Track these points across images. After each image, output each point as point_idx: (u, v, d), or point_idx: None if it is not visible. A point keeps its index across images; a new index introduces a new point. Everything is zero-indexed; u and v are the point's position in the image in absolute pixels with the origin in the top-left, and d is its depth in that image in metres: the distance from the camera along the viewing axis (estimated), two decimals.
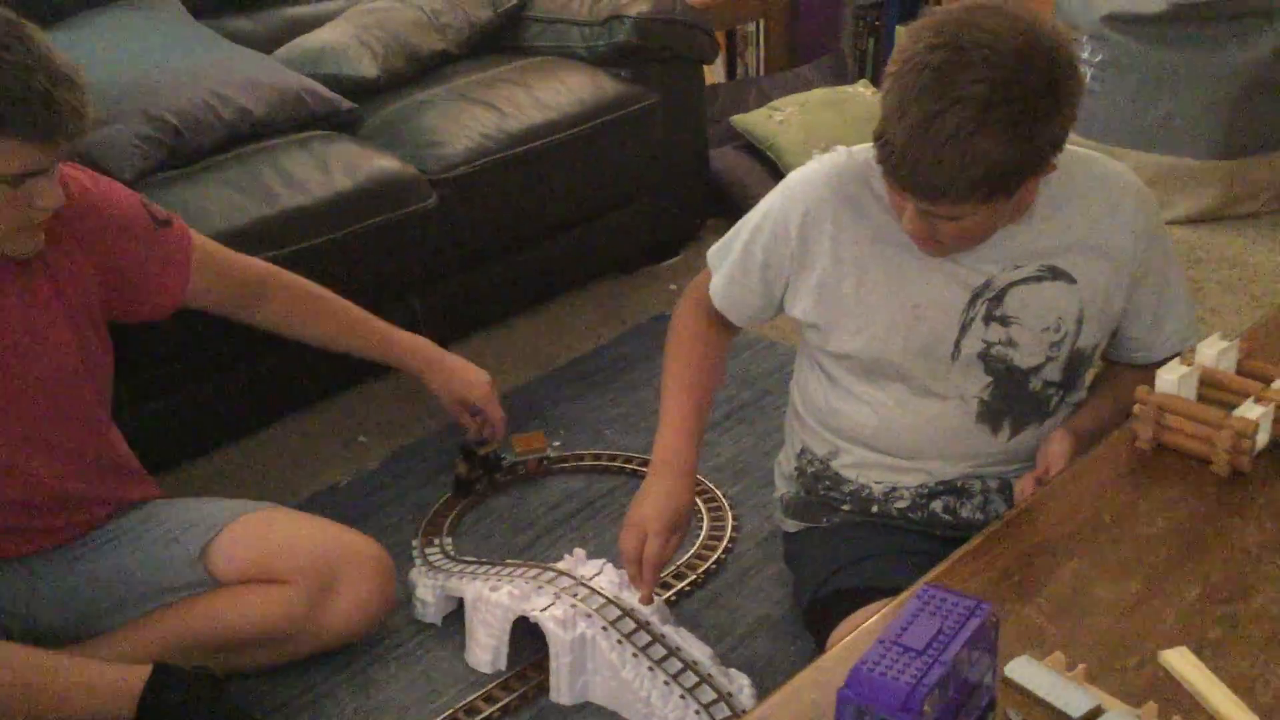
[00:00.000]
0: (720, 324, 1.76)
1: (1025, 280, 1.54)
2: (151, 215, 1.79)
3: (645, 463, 2.32)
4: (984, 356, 1.57)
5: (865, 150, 1.58)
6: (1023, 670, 1.08)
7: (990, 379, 1.58)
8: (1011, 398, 1.59)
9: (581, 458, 2.37)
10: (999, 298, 1.55)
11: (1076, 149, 1.57)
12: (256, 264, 1.99)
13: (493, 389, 2.19)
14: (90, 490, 1.79)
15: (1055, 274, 1.55)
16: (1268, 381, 1.45)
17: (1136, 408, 1.45)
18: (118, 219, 1.74)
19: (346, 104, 2.68)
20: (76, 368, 1.72)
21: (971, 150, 1.31)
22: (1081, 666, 1.10)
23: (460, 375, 2.16)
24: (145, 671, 1.67)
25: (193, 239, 1.85)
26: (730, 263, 1.68)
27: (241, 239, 2.23)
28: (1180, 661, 1.13)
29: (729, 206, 3.28)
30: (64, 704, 1.64)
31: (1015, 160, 1.34)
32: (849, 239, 1.57)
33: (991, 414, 1.60)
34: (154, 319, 1.84)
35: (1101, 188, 1.56)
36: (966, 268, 1.54)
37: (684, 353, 1.74)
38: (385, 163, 2.53)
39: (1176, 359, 1.47)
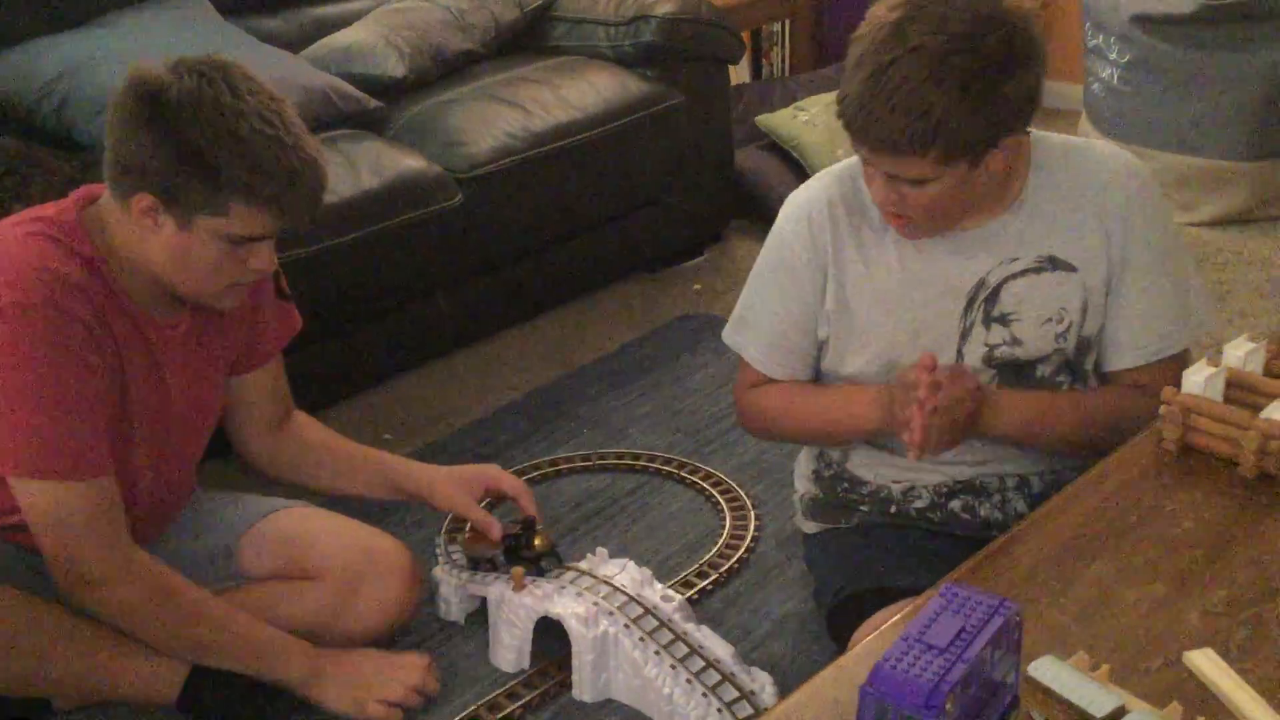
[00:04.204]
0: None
1: (1023, 273, 1.54)
2: (279, 286, 1.83)
3: (668, 462, 2.33)
4: (988, 360, 1.57)
5: (849, 168, 1.60)
6: (1046, 670, 1.08)
7: (994, 372, 1.58)
8: (1017, 388, 1.58)
9: (605, 456, 2.37)
10: (994, 295, 1.54)
11: (1071, 137, 1.60)
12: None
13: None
14: (175, 506, 1.85)
15: (1055, 264, 1.54)
16: None
17: (1162, 408, 1.44)
18: (268, 280, 1.79)
19: (373, 103, 2.69)
20: (215, 411, 1.80)
21: (923, 99, 1.35)
22: (1105, 667, 1.10)
23: (460, 467, 1.98)
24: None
25: (299, 325, 1.88)
26: (761, 325, 1.66)
27: None
28: (1205, 663, 1.12)
29: (754, 206, 3.28)
30: (117, 682, 1.70)
31: (968, 118, 1.36)
32: (846, 259, 1.59)
33: None
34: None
35: (1094, 172, 1.55)
36: (959, 266, 1.54)
37: (784, 402, 1.68)
38: (411, 162, 2.54)
39: (1204, 360, 1.46)
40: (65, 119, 2.44)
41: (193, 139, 1.46)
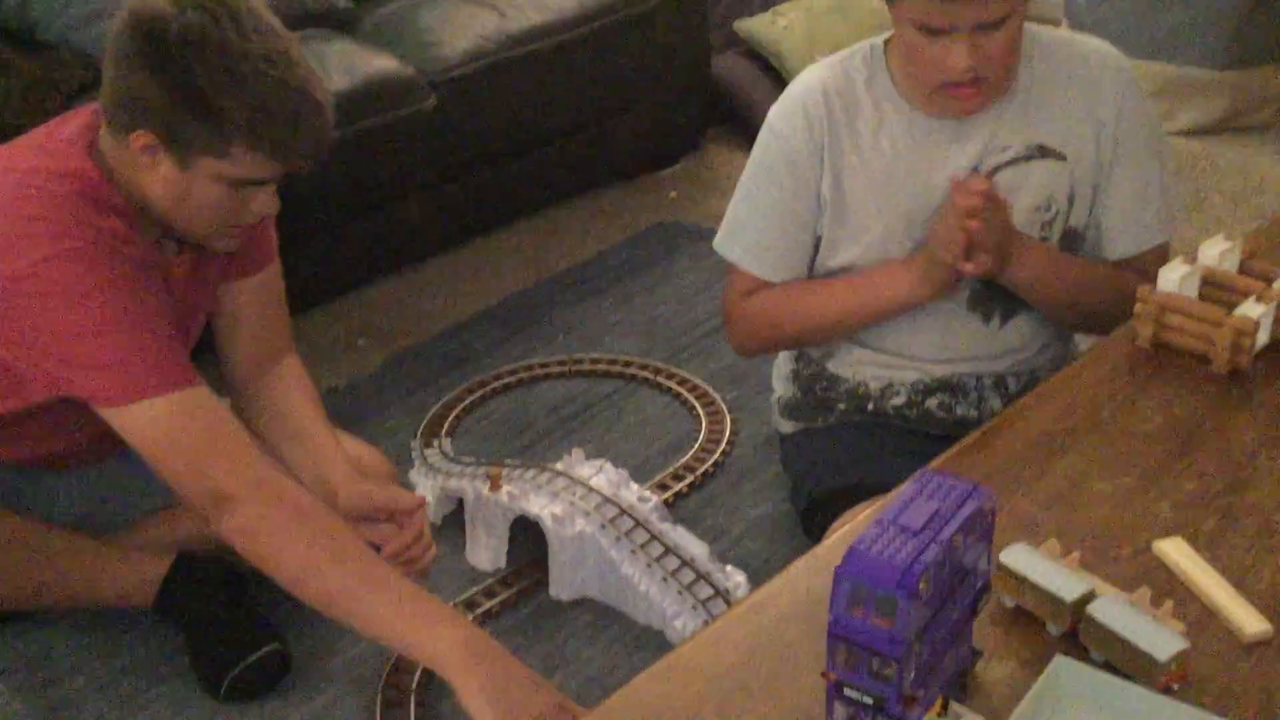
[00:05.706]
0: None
1: (1014, 161, 1.55)
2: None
3: (644, 367, 2.33)
4: None
5: (842, 60, 1.59)
6: (1017, 556, 1.09)
7: None
8: (1001, 284, 1.59)
9: (581, 361, 2.37)
10: None
11: (1058, 30, 1.61)
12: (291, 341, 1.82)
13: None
14: None
15: (1044, 152, 1.55)
16: (1269, 281, 1.44)
17: (1137, 306, 1.44)
18: None
19: (344, 2, 2.65)
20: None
21: None
22: (1075, 554, 1.11)
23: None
24: (168, 561, 1.73)
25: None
26: (757, 228, 1.63)
27: None
28: (1174, 550, 1.14)
29: (731, 114, 3.24)
30: (93, 587, 1.71)
31: None
32: (842, 147, 1.57)
33: (982, 300, 1.60)
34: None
35: (1084, 63, 1.57)
36: (952, 154, 1.54)
37: (792, 299, 1.64)
38: (383, 63, 2.50)
39: (1179, 258, 1.47)
40: (28, 17, 2.38)
41: (196, 80, 1.41)
